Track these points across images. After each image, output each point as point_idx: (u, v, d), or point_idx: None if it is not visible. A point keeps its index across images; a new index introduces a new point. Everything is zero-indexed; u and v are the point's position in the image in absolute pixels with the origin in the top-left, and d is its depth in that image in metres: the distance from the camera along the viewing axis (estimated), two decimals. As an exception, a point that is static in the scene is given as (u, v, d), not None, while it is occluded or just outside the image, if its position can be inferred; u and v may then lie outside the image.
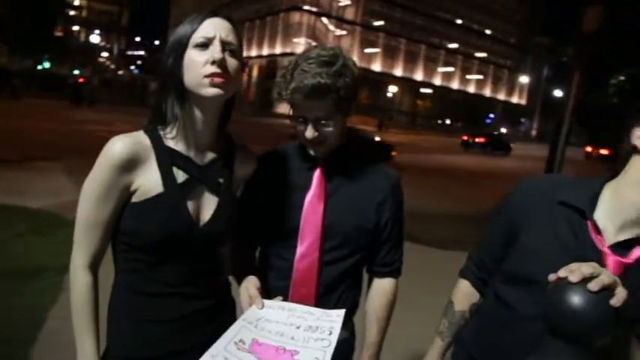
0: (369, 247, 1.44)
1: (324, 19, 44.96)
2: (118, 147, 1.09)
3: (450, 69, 55.95)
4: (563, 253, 1.04)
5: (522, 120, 65.31)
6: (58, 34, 45.27)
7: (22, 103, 20.56)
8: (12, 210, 5.03)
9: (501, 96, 66.05)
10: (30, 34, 32.06)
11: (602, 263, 0.98)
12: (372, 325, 1.47)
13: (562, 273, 0.81)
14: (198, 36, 1.09)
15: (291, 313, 1.19)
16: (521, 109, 68.28)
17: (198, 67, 1.08)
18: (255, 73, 50.78)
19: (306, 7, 44.02)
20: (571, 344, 0.78)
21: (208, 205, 1.18)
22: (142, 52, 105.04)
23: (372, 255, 1.47)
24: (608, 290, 0.78)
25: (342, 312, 1.19)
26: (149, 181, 1.12)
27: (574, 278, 0.78)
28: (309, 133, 1.30)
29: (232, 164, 1.26)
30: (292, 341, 1.09)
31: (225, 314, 1.26)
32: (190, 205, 1.15)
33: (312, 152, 1.37)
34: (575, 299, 0.77)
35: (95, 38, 47.27)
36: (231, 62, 1.11)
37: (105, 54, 55.57)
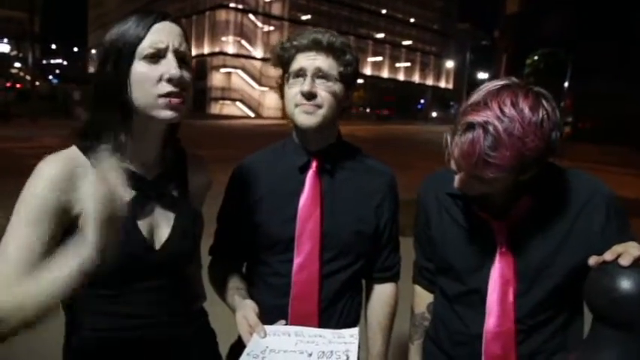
0: (369, 253, 1.33)
1: (251, 16, 44.39)
2: (51, 167, 0.95)
3: (379, 58, 57.16)
4: (463, 234, 1.16)
5: (452, 103, 67.99)
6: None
7: None
8: None
9: (430, 82, 68.37)
10: None
11: (494, 232, 1.10)
12: (377, 335, 1.37)
13: (608, 257, 0.77)
14: (147, 46, 0.94)
15: (298, 338, 1.08)
16: (450, 93, 71.06)
17: (150, 84, 0.94)
18: (184, 74, 49.21)
19: (232, 5, 43.19)
20: (626, 332, 0.73)
21: (164, 223, 1.05)
22: (59, 61, 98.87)
23: (371, 260, 1.36)
24: None
25: (355, 331, 1.12)
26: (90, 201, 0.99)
27: (625, 262, 0.74)
28: (306, 85, 1.17)
29: (185, 175, 1.13)
30: None
31: (204, 346, 1.14)
32: (143, 224, 1.01)
33: (303, 120, 1.20)
34: (630, 284, 0.72)
35: (4, 47, 43.78)
36: (187, 76, 0.97)
37: (18, 64, 51.72)
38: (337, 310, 1.28)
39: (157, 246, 1.03)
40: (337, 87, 1.21)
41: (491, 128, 0.92)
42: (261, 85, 43.01)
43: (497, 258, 1.11)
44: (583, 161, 14.53)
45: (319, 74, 1.19)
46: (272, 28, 45.98)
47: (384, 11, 55.82)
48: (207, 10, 43.95)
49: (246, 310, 1.14)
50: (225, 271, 1.31)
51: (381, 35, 56.38)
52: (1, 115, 20.97)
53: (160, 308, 1.06)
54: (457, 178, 1.05)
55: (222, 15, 43.25)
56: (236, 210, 1.30)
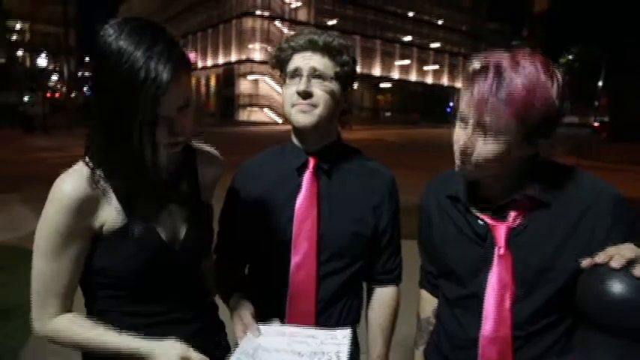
0: (368, 255, 1.33)
1: (277, 23, 44.85)
2: (68, 187, 0.96)
3: (407, 62, 56.71)
4: (462, 238, 1.16)
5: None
6: (1, 60, 43.52)
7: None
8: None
9: (459, 84, 67.20)
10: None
11: (493, 235, 1.09)
12: (377, 337, 1.37)
13: (600, 259, 0.74)
14: (160, 111, 0.93)
15: (291, 338, 1.09)
16: (478, 95, 69.78)
17: (161, 139, 0.97)
18: (212, 82, 50.19)
19: (258, 12, 43.75)
20: (617, 337, 0.70)
21: (181, 222, 1.08)
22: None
23: (372, 263, 1.36)
24: None
25: (347, 332, 1.12)
26: (111, 215, 1.00)
27: (617, 264, 0.72)
28: (302, 85, 1.18)
29: (196, 170, 1.17)
30: None
31: (216, 335, 1.18)
32: (162, 228, 1.04)
33: (299, 119, 1.21)
34: (621, 288, 0.69)
35: (42, 61, 45.62)
36: (187, 117, 1.00)
37: (55, 77, 53.82)
38: (336, 310, 1.29)
39: (176, 246, 1.06)
40: (333, 86, 1.21)
41: (504, 71, 0.95)
42: (288, 91, 43.23)
43: (496, 261, 1.10)
44: (618, 162, 14.01)
45: (315, 74, 1.19)
46: (298, 34, 46.31)
47: (410, 14, 55.41)
48: (233, 19, 44.63)
49: (242, 310, 1.16)
50: (225, 272, 1.34)
51: (408, 38, 55.96)
52: (39, 127, 21.81)
53: (179, 304, 1.09)
54: (460, 138, 1.03)
55: (248, 23, 43.84)
56: (236, 212, 1.33)
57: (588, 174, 1.12)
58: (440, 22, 59.57)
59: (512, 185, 1.08)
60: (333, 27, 48.18)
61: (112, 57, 0.90)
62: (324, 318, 1.26)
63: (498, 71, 0.95)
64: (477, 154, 1.03)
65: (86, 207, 0.98)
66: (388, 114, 52.12)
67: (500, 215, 1.10)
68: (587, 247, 0.97)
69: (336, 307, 1.29)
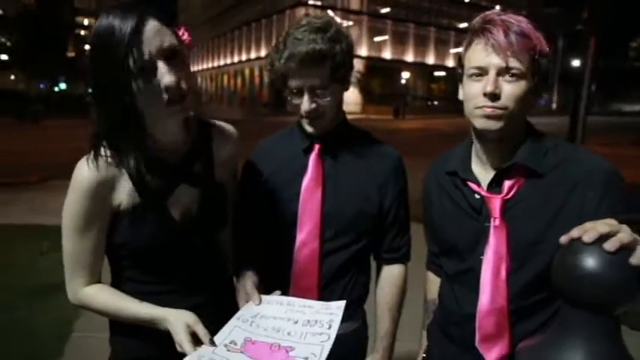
0: (373, 233, 1.37)
1: (330, 12, 44.75)
2: (86, 173, 1.06)
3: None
4: (459, 213, 1.21)
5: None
6: (71, 54, 46.17)
7: (43, 126, 21.04)
8: (33, 229, 5.17)
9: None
10: (43, 58, 32.74)
11: (488, 207, 1.13)
12: (384, 316, 1.41)
13: (575, 233, 0.74)
14: (139, 59, 0.97)
15: (289, 307, 1.15)
16: (538, 83, 66.65)
17: (152, 97, 1.00)
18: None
19: (311, 2, 43.85)
20: (591, 314, 0.68)
21: (193, 201, 1.16)
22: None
23: (378, 241, 1.41)
24: (627, 250, 0.69)
25: (342, 303, 1.15)
26: (126, 195, 1.10)
27: (588, 238, 0.71)
28: (306, 104, 1.24)
29: (210, 148, 1.22)
30: (288, 337, 1.05)
31: (229, 309, 1.23)
32: (174, 207, 1.13)
33: (308, 129, 1.30)
34: (592, 262, 0.68)
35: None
36: (179, 70, 1.02)
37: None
38: (339, 286, 1.34)
39: (188, 223, 1.14)
40: (334, 88, 1.25)
41: (507, 20, 1.07)
42: (340, 80, 43.11)
43: (492, 232, 1.13)
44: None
45: (316, 91, 1.23)
46: (351, 22, 45.96)
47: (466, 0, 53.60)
48: (287, 9, 44.95)
49: (245, 279, 1.23)
50: (237, 247, 1.40)
51: (464, 25, 54.14)
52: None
53: (192, 275, 1.20)
54: (480, 87, 1.08)
55: (301, 12, 43.96)
56: (247, 190, 1.39)
57: (585, 149, 1.15)
58: (497, 8, 57.15)
59: (509, 153, 1.13)
60: (386, 15, 47.44)
61: (102, 35, 0.99)
62: (327, 293, 1.31)
63: (503, 21, 1.07)
64: (505, 98, 1.06)
65: (103, 189, 1.08)
66: (436, 102, 50.77)
67: (494, 189, 1.15)
68: (577, 221, 0.93)
69: (339, 284, 1.34)
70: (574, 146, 1.17)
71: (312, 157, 1.33)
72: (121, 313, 1.13)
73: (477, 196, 1.16)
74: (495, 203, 1.12)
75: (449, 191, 1.24)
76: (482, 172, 1.18)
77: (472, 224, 1.17)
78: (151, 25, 0.99)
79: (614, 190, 1.05)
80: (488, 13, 1.12)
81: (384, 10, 47.50)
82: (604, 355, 0.67)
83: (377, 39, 47.47)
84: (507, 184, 1.13)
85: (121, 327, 1.19)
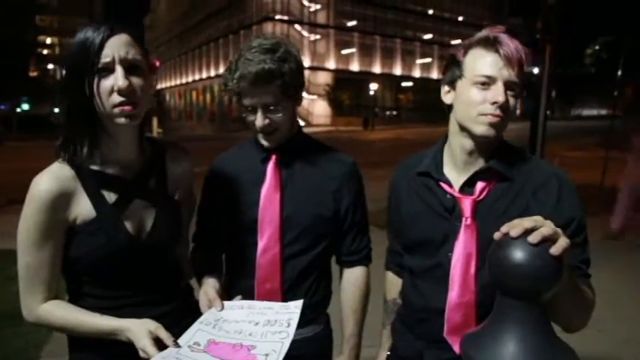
0: (332, 236, 1.42)
1: (297, 26, 45.12)
2: (43, 187, 1.08)
3: (428, 60, 56.29)
4: (430, 212, 1.26)
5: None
6: (33, 74, 45.02)
7: (7, 147, 20.43)
8: (1, 253, 4.95)
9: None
10: (4, 79, 31.83)
11: (460, 208, 1.20)
12: (349, 318, 1.45)
13: (504, 229, 0.80)
14: (98, 62, 1.04)
15: (250, 310, 1.19)
16: (502, 91, 68.52)
17: (105, 96, 1.06)
18: (235, 88, 50.70)
19: (277, 17, 44.15)
20: (520, 300, 0.75)
21: (148, 216, 1.18)
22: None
23: (337, 245, 1.45)
24: (549, 242, 0.76)
25: (299, 303, 1.20)
26: (82, 209, 1.11)
27: (514, 233, 0.77)
28: (259, 121, 1.29)
29: (164, 166, 1.25)
30: (250, 337, 1.09)
31: (188, 317, 1.24)
32: (129, 222, 1.15)
33: (264, 142, 1.35)
34: (517, 254, 0.75)
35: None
36: (137, 82, 1.08)
37: (83, 88, 55.30)
38: (302, 290, 1.38)
39: (143, 237, 1.16)
40: (287, 104, 1.32)
41: (516, 40, 1.14)
42: (309, 93, 43.47)
43: (462, 231, 1.19)
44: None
45: (269, 108, 1.29)
46: (318, 36, 46.52)
47: (430, 11, 54.97)
48: (253, 24, 45.14)
49: (207, 286, 1.28)
50: (201, 257, 1.45)
51: (428, 36, 55.53)
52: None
53: (148, 288, 1.20)
54: (494, 91, 1.14)
55: (268, 27, 44.27)
56: (209, 201, 1.44)
57: (537, 157, 1.26)
58: (460, 19, 58.91)
59: (485, 158, 1.21)
60: (353, 28, 48.17)
61: (72, 44, 1.07)
62: (290, 297, 1.33)
63: (510, 37, 1.14)
64: (511, 106, 1.15)
65: (60, 203, 1.09)
66: (405, 114, 51.67)
67: (465, 190, 1.22)
68: None
69: (302, 287, 1.38)
70: (528, 153, 1.28)
71: (270, 165, 1.37)
72: (80, 326, 1.13)
73: (449, 197, 1.23)
74: (467, 204, 1.19)
75: (420, 192, 1.30)
76: (454, 175, 1.25)
77: (442, 223, 1.23)
78: (121, 36, 1.07)
79: (569, 193, 1.17)
80: (493, 27, 1.20)
81: (351, 24, 48.26)
82: (534, 338, 0.74)
83: (344, 52, 48.11)
84: (480, 186, 1.20)
85: (80, 343, 1.18)
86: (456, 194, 1.22)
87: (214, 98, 54.85)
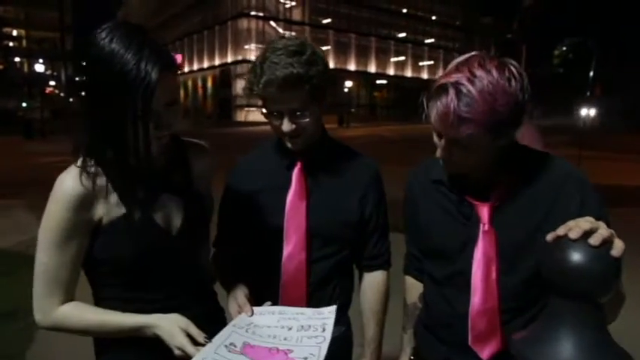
0: (355, 242, 1.41)
1: (272, 23, 44.82)
2: (69, 184, 1.04)
3: (402, 58, 56.76)
4: (447, 219, 1.24)
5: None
6: (-1, 67, 43.41)
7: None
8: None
9: (454, 79, 66.96)
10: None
11: (477, 214, 1.17)
12: (370, 321, 1.45)
13: (561, 231, 0.80)
14: (144, 109, 0.98)
15: (281, 316, 1.17)
16: (474, 89, 69.62)
17: (149, 130, 1.02)
18: (209, 84, 50.14)
19: (252, 13, 43.73)
20: (579, 302, 0.76)
21: (177, 210, 1.15)
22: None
23: (359, 249, 1.44)
24: (608, 243, 0.77)
25: (333, 308, 1.19)
26: (111, 207, 1.07)
27: (574, 235, 0.77)
28: (286, 126, 1.25)
29: (187, 162, 1.23)
30: (285, 342, 1.08)
31: (215, 323, 1.22)
32: (159, 216, 1.12)
33: (290, 146, 1.31)
34: (578, 256, 0.75)
35: (40, 67, 45.43)
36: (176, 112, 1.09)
37: (53, 82, 53.67)
38: (326, 294, 1.37)
39: (174, 232, 1.13)
40: (313, 109, 1.27)
41: (463, 88, 1.01)
42: (284, 90, 43.08)
43: (481, 237, 1.16)
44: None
45: (295, 113, 1.25)
46: (294, 33, 46.11)
47: (404, 10, 55.42)
48: (228, 20, 44.62)
49: (237, 292, 1.24)
50: (224, 262, 1.42)
51: (402, 35, 55.98)
52: (38, 132, 21.84)
53: (178, 290, 1.16)
54: (439, 147, 1.13)
55: (243, 24, 43.85)
56: (231, 205, 1.41)
57: (556, 156, 1.21)
58: (434, 18, 59.60)
59: (494, 170, 1.16)
60: (327, 26, 48.15)
61: (105, 59, 0.97)
62: (314, 301, 1.33)
63: (457, 89, 1.01)
64: (457, 164, 1.13)
65: (85, 202, 1.05)
66: (380, 111, 52.02)
67: (482, 196, 1.18)
68: (562, 224, 1.05)
69: (326, 291, 1.37)
70: (547, 154, 1.21)
71: (295, 172, 1.34)
72: (104, 326, 1.09)
73: (466, 203, 1.20)
74: (484, 210, 1.16)
75: (436, 198, 1.27)
76: (469, 181, 1.20)
77: (461, 229, 1.21)
78: (169, 79, 1.02)
79: (591, 192, 1.13)
80: (449, 72, 1.09)
81: (326, 21, 48.23)
82: (591, 340, 0.75)
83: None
84: (495, 192, 1.16)
85: (107, 344, 1.14)
86: (472, 200, 1.19)
87: (188, 94, 54.03)
